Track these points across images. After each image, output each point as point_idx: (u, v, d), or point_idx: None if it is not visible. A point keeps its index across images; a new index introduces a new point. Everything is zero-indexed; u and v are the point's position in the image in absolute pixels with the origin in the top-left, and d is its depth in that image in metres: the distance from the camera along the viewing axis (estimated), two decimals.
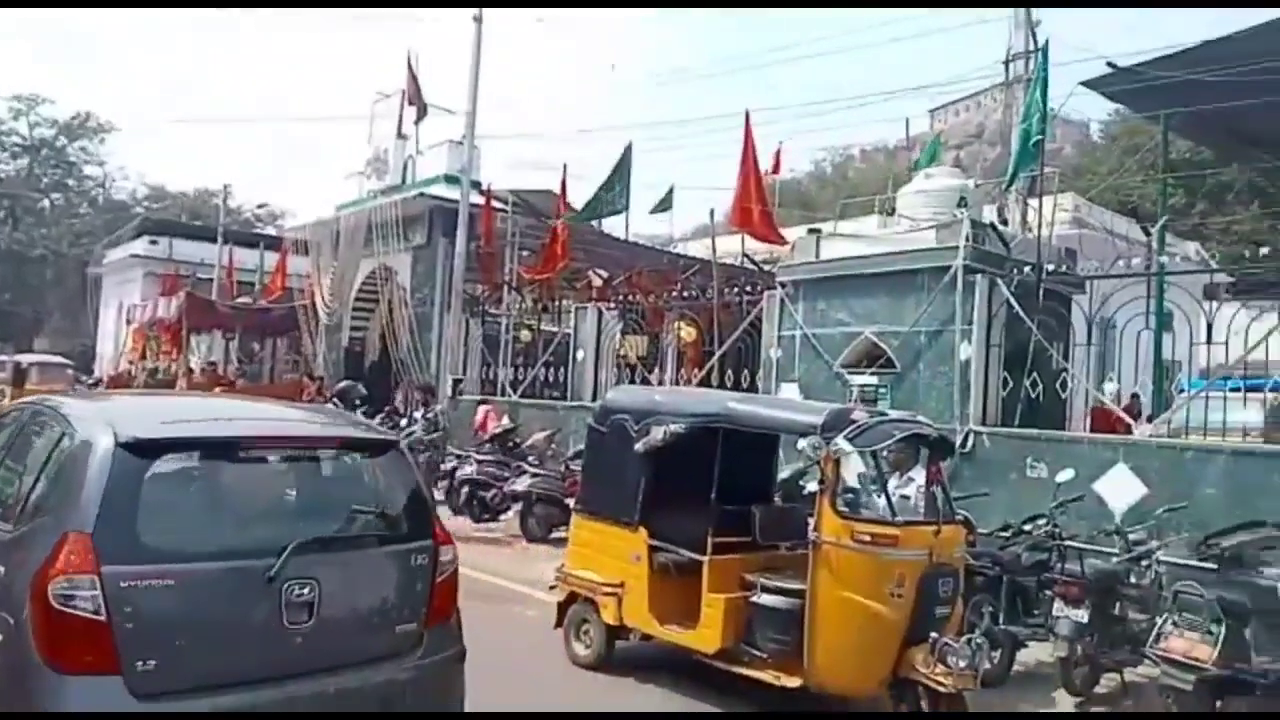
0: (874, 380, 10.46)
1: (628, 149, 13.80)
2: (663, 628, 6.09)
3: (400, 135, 19.58)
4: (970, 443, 9.48)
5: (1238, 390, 9.21)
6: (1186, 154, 20.55)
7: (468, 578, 9.26)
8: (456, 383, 16.11)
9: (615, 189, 14.23)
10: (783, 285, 11.42)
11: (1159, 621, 6.04)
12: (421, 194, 17.93)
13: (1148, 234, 10.14)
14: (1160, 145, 12.56)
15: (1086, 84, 10.44)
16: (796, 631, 5.34)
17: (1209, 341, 8.39)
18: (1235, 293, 10.36)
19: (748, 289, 12.10)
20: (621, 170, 13.99)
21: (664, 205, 19.54)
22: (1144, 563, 7.01)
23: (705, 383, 12.26)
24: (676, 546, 6.09)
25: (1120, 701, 6.61)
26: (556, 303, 15.77)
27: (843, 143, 63.76)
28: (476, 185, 16.85)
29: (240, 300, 24.33)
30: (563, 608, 6.76)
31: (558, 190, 14.96)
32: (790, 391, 11.14)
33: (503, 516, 12.16)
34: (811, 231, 11.90)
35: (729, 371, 12.14)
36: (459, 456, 12.81)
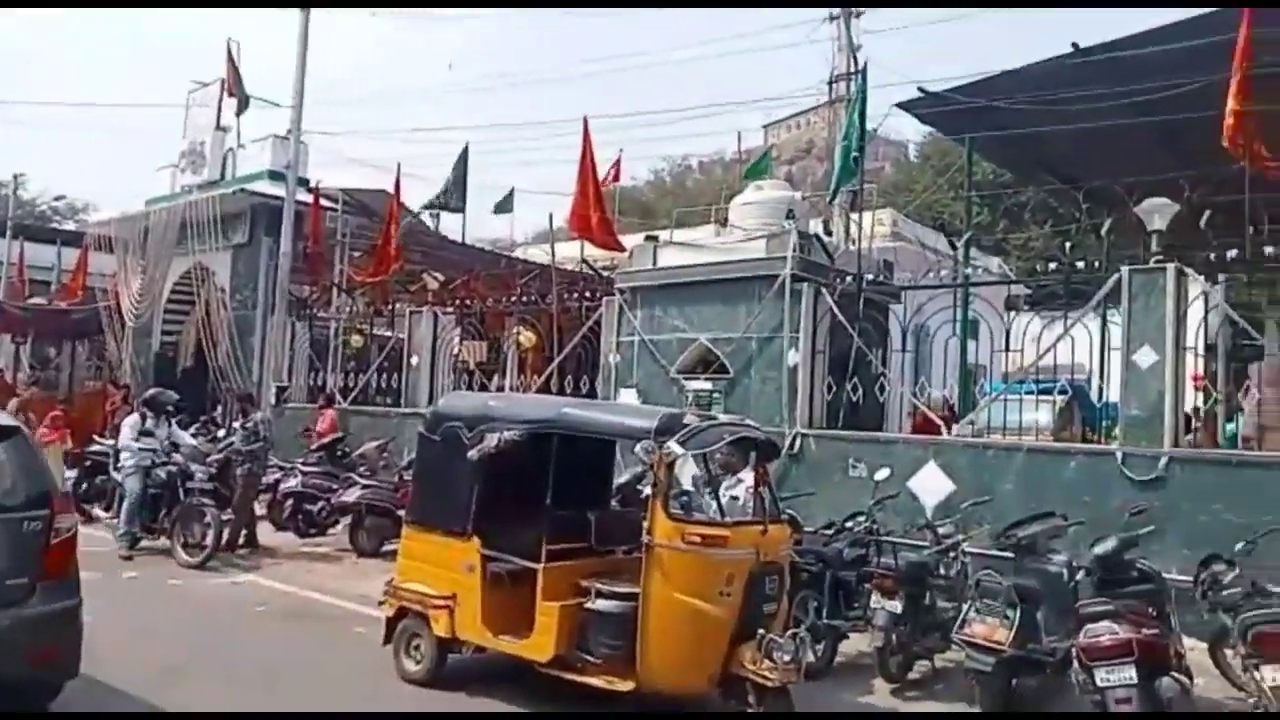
0: (708, 385, 10.74)
1: (465, 150, 13.55)
2: (496, 639, 5.97)
3: (219, 127, 18.36)
4: (798, 445, 9.89)
5: (1032, 393, 10.05)
6: (991, 175, 22.27)
7: (293, 596, 8.95)
8: (281, 390, 15.27)
9: (451, 189, 13.91)
10: (621, 292, 11.53)
11: (964, 608, 6.49)
12: (243, 190, 16.88)
13: (954, 248, 10.93)
14: (971, 165, 13.62)
15: (900, 106, 11.21)
16: (630, 635, 5.36)
17: (1006, 348, 9.13)
18: (1031, 303, 11.28)
19: (587, 295, 12.13)
20: (458, 171, 13.71)
21: (504, 208, 19.32)
22: (951, 554, 7.51)
23: (545, 388, 12.20)
24: (511, 555, 6.00)
25: (931, 686, 7.02)
26: (391, 306, 15.24)
27: (681, 152, 65.31)
28: (304, 182, 16.05)
29: (33, 301, 22.04)
30: (392, 623, 6.50)
31: (392, 189, 14.47)
32: (629, 397, 11.27)
33: (331, 531, 11.60)
34: (649, 239, 12.08)
35: (569, 377, 12.14)
36: (283, 468, 12.13)
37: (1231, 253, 7.85)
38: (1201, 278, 8.27)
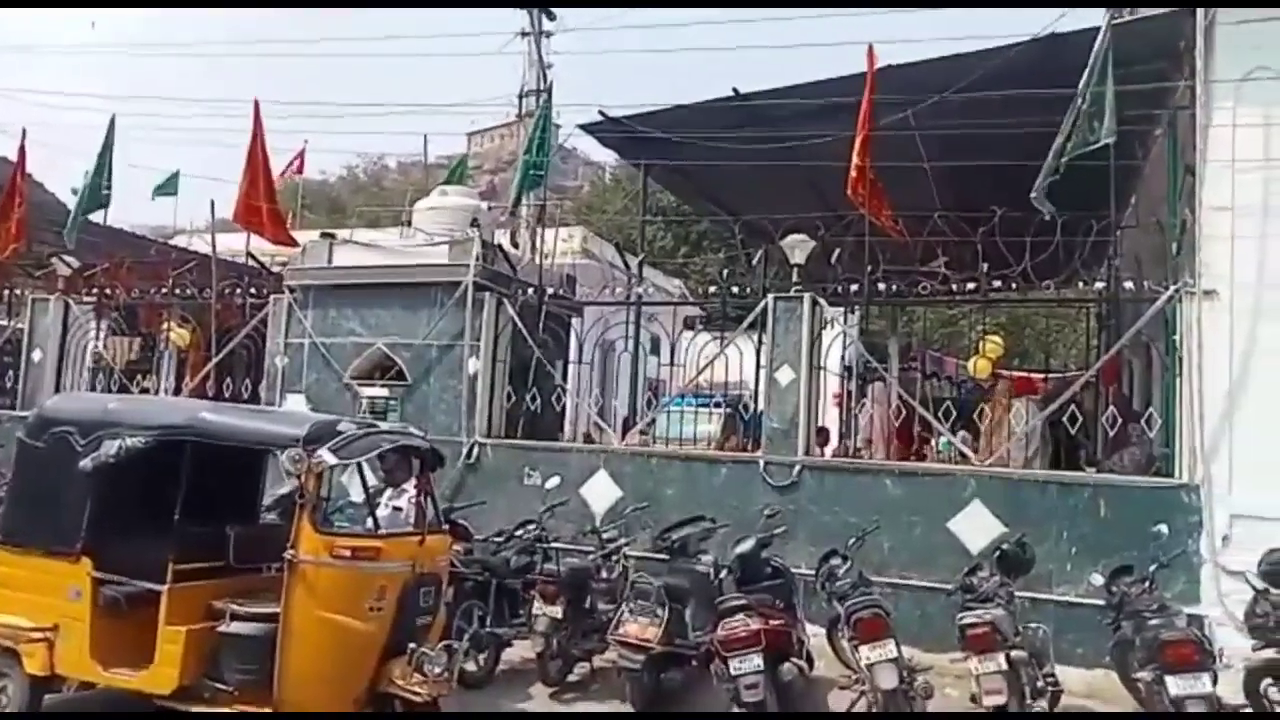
0: (385, 392, 10.36)
1: (111, 121, 11.89)
2: (107, 672, 5.29)
3: None
4: (475, 453, 9.83)
5: (701, 405, 10.81)
6: (676, 204, 23.77)
7: None
8: None
9: (101, 170, 12.08)
10: (291, 290, 10.79)
11: (619, 609, 6.79)
12: None
13: (628, 268, 11.49)
14: (647, 190, 14.38)
15: (583, 127, 11.54)
16: (268, 659, 4.99)
17: (671, 363, 9.76)
18: (706, 324, 12.15)
19: (253, 291, 11.18)
20: (105, 148, 12.01)
21: (166, 190, 17.31)
22: (614, 558, 7.85)
23: (202, 391, 11.08)
24: (131, 577, 5.34)
25: (589, 687, 7.26)
26: (9, 292, 13.02)
27: (379, 150, 63.09)
28: None
29: None
30: None
31: (14, 157, 12.36)
32: (296, 402, 10.56)
33: None
34: (324, 236, 11.41)
35: (229, 380, 11.11)
36: None
37: (854, 287, 9.03)
38: (839, 308, 9.41)
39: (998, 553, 6.80)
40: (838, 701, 6.73)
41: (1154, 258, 9.05)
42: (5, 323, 12.84)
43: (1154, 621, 5.87)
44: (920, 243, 9.03)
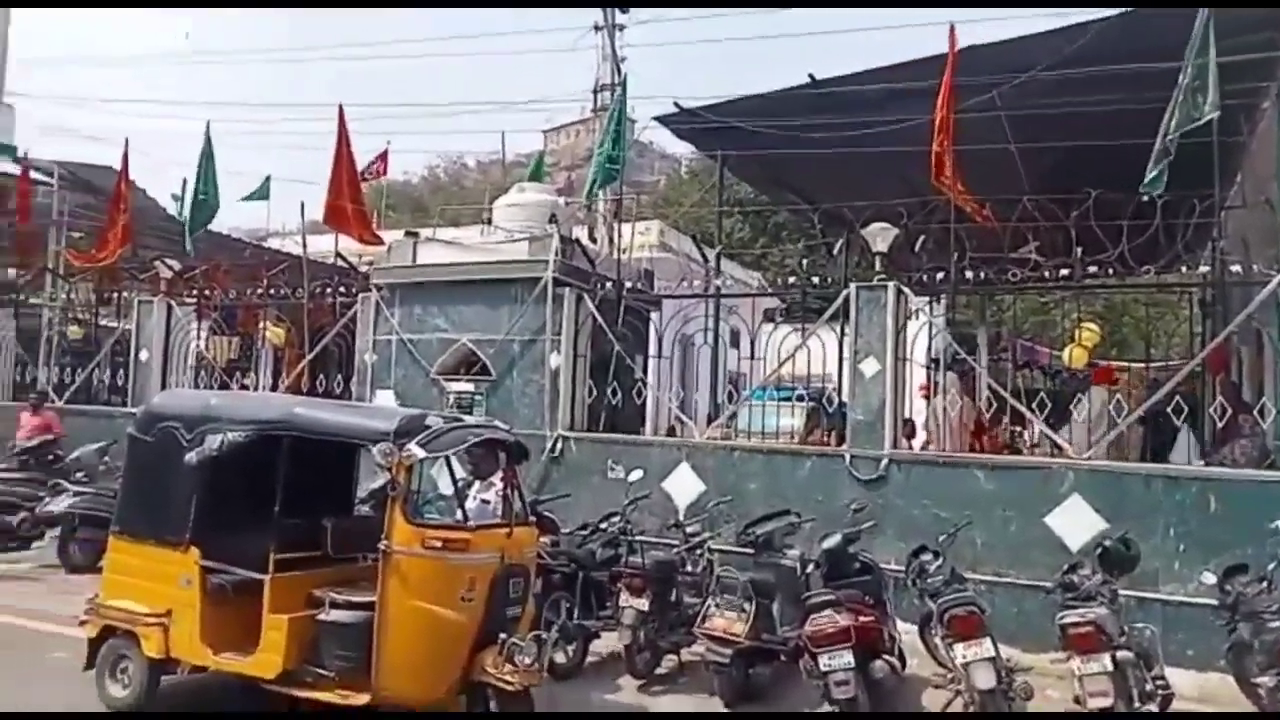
0: (470, 387, 10.54)
1: (207, 129, 12.35)
2: (217, 657, 5.51)
3: None
4: (559, 447, 9.92)
5: (783, 399, 10.67)
6: (753, 195, 23.52)
7: None
8: None
9: (205, 180, 12.53)
10: (378, 288, 11.07)
11: (706, 603, 6.76)
12: None
13: (705, 260, 11.42)
14: (723, 182, 14.26)
15: (658, 119, 11.52)
16: (365, 646, 5.13)
17: (752, 356, 9.66)
18: (786, 316, 11.99)
19: (342, 290, 11.52)
20: (205, 155, 12.48)
21: (259, 195, 17.93)
22: (698, 552, 7.83)
23: (297, 388, 11.48)
24: (234, 566, 5.56)
25: (676, 680, 7.24)
26: (118, 294, 13.71)
27: (459, 150, 64.45)
28: (9, 151, 14.10)
29: None
30: (95, 645, 5.88)
31: (118, 165, 12.97)
32: (386, 398, 10.84)
33: (36, 544, 10.30)
34: (409, 235, 11.68)
35: (322, 376, 11.48)
36: None
37: (940, 275, 8.78)
38: (925, 297, 9.15)
39: (1100, 549, 6.51)
40: (932, 701, 6.58)
41: (1263, 239, 8.55)
42: (115, 324, 13.52)
43: (1275, 624, 5.57)
44: (1009, 228, 8.72)
